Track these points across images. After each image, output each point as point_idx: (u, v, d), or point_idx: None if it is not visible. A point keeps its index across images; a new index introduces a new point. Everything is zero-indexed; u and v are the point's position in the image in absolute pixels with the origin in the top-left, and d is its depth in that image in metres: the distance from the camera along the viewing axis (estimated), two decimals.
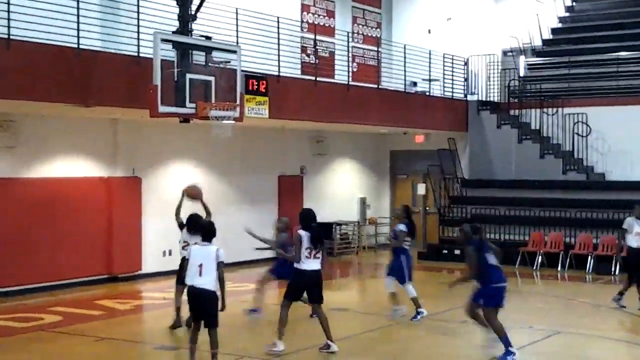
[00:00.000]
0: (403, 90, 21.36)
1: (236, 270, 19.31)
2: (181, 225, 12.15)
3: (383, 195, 25.19)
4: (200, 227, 9.90)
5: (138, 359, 11.14)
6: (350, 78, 19.64)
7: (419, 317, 13.02)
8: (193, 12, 13.98)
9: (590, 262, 19.06)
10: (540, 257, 19.71)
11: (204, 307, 9.42)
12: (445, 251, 21.42)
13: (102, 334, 12.04)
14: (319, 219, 23.14)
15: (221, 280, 9.33)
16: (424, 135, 23.54)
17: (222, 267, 9.35)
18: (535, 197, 21.16)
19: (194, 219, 11.80)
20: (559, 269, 19.35)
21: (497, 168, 22.73)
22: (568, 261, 19.34)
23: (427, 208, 24.27)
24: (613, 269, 18.70)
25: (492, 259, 10.58)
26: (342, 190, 23.66)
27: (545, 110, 22.45)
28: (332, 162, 23.36)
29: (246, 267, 19.83)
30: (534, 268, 19.57)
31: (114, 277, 17.09)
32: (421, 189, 24.15)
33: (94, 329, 12.44)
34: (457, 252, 21.12)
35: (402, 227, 13.05)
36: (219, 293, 9.36)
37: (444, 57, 22.65)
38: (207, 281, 9.30)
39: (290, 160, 21.77)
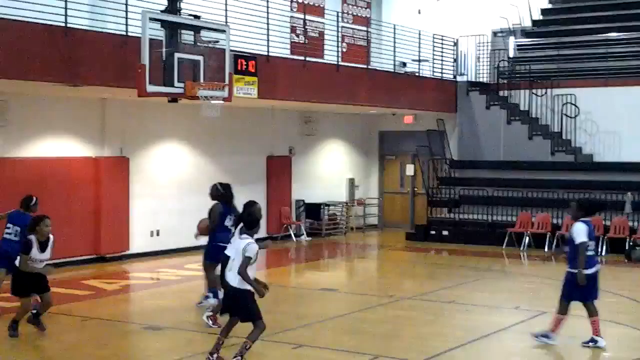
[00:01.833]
0: (392, 70, 21.33)
1: None
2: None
3: (372, 175, 25.21)
4: (241, 217, 9.42)
5: (126, 339, 11.15)
6: (340, 58, 19.59)
7: (205, 301, 12.50)
8: None
9: None
10: (527, 237, 19.80)
11: (234, 303, 9.01)
12: (433, 232, 21.47)
13: (89, 314, 12.06)
14: (308, 199, 23.21)
15: (240, 275, 8.76)
16: (413, 116, 23.55)
17: (245, 262, 8.73)
18: (523, 178, 21.21)
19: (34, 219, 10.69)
20: (546, 249, 19.45)
21: (485, 149, 22.76)
22: (555, 242, 19.44)
23: (416, 189, 24.32)
24: (600, 250, 18.81)
25: (228, 221, 11.56)
26: (331, 170, 23.67)
27: (534, 91, 22.47)
28: (321, 142, 23.34)
29: None
30: (521, 249, 19.67)
31: (102, 257, 17.08)
32: (409, 169, 24.19)
33: (82, 309, 12.45)
34: (445, 232, 21.25)
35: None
36: None
37: (433, 38, 22.61)
38: (234, 276, 8.88)
39: (278, 140, 21.74)
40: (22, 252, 10.44)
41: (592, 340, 10.27)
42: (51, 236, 10.52)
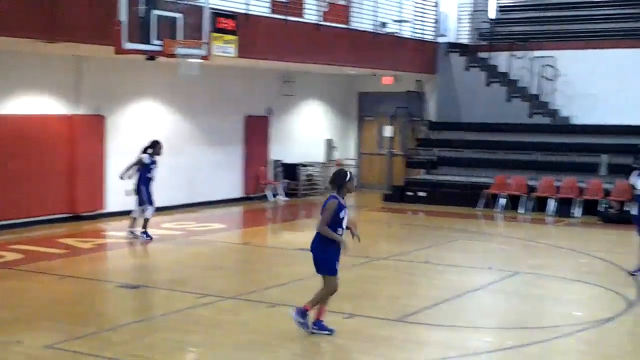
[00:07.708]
0: (373, 31, 21.21)
1: (201, 211, 19.33)
2: None
3: (349, 136, 25.19)
4: None
5: (101, 296, 11.16)
6: (321, 18, 19.43)
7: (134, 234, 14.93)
8: None
9: (551, 205, 19.30)
10: (503, 199, 19.92)
11: None
12: (410, 193, 21.54)
13: (64, 272, 12.03)
14: (286, 159, 23.11)
15: None
16: (393, 77, 23.48)
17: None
18: (501, 140, 21.29)
19: None
20: (522, 211, 19.59)
21: (464, 111, 22.78)
22: (531, 204, 19.57)
23: (393, 150, 24.35)
24: (573, 212, 19.00)
25: None
26: (309, 131, 23.61)
27: (514, 53, 22.45)
28: (299, 103, 23.25)
29: (213, 207, 19.85)
30: (497, 210, 19.80)
31: (77, 215, 17.00)
32: (388, 131, 24.17)
33: (57, 267, 12.42)
34: (421, 194, 21.33)
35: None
36: None
37: None
38: None
39: (257, 100, 21.62)
40: None
41: None
42: None
